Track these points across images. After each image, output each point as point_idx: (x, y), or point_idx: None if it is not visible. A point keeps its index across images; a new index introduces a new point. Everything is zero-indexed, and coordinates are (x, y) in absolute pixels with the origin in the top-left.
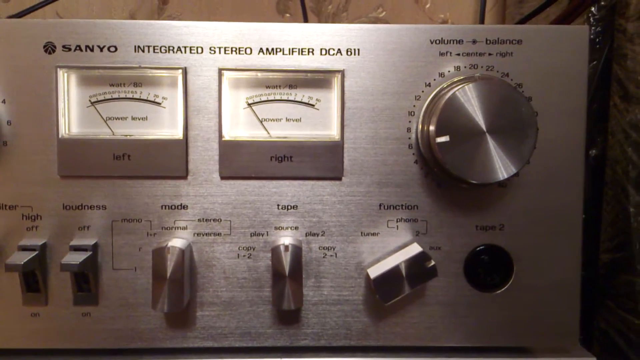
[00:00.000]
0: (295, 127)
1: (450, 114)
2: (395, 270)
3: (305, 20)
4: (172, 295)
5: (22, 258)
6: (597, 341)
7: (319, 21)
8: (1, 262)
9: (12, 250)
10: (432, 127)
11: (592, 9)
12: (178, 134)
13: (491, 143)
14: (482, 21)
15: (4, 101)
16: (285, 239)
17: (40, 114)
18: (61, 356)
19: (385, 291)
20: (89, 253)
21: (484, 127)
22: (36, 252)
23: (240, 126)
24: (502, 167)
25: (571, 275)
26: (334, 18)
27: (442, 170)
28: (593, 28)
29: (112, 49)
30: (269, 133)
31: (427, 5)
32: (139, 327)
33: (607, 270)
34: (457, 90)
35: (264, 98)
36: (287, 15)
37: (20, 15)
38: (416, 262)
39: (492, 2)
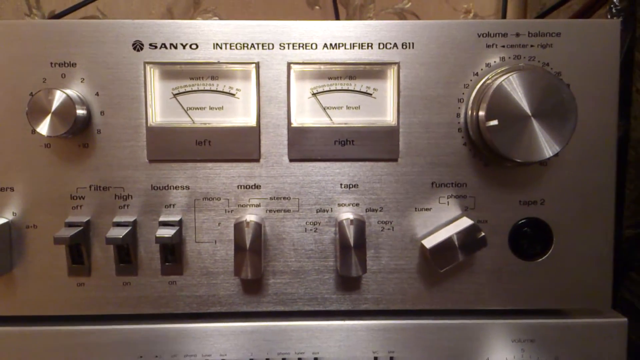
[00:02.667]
0: (355, 114)
1: (499, 100)
2: (449, 241)
3: (336, 12)
4: (253, 264)
5: (120, 233)
6: (621, 311)
7: (347, 13)
8: (97, 236)
9: (107, 226)
10: (481, 113)
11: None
12: (251, 121)
13: (536, 126)
14: (504, 11)
15: (97, 94)
16: (349, 214)
17: (130, 105)
18: (152, 321)
19: (440, 259)
20: (176, 228)
21: (529, 111)
22: (129, 228)
23: (305, 114)
24: (546, 147)
25: (604, 245)
26: (361, 10)
27: (489, 151)
28: (615, 17)
29: (194, 46)
30: (331, 119)
31: None
32: (218, 293)
33: (630, 245)
34: (504, 79)
35: (326, 88)
36: (317, 7)
37: (65, 13)
38: (468, 233)
39: None
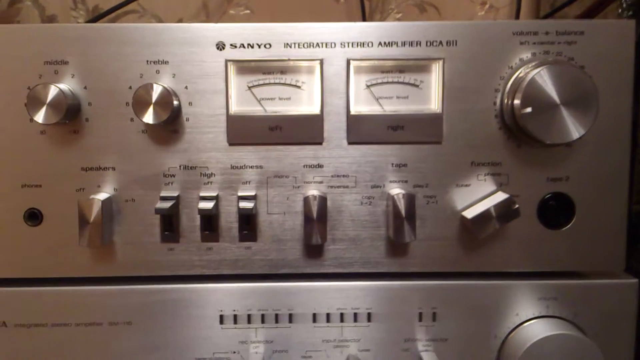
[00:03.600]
0: (403, 103)
1: (532, 91)
2: (487, 212)
3: (362, 5)
4: (320, 231)
5: (208, 205)
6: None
7: (370, 6)
8: (186, 208)
9: (194, 200)
10: (516, 101)
11: None
12: (316, 110)
13: (564, 112)
14: (519, 3)
15: (186, 87)
16: (400, 190)
17: (213, 96)
18: (231, 280)
19: (479, 228)
20: (252, 201)
21: (557, 100)
22: (214, 201)
23: (361, 103)
24: (573, 131)
25: (619, 215)
26: (383, 2)
27: (522, 134)
28: (625, 12)
29: (267, 46)
30: (383, 108)
31: None
32: (287, 257)
33: (638, 219)
34: (536, 73)
35: (379, 80)
36: (342, 1)
37: (109, 11)
38: (504, 206)
39: None
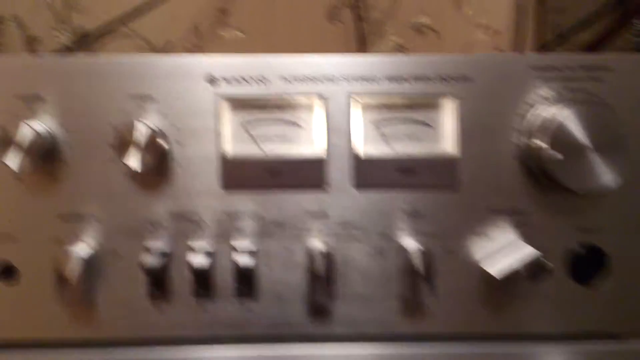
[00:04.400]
0: (415, 143)
1: (560, 134)
2: (513, 270)
3: (359, 28)
4: (326, 291)
5: (201, 261)
6: None
7: (366, 28)
8: (175, 261)
9: (184, 252)
10: (541, 144)
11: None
12: (319, 151)
13: (596, 158)
14: (521, 27)
15: (174, 125)
16: (416, 243)
17: (204, 136)
18: (227, 343)
19: (504, 287)
20: (250, 254)
21: (588, 144)
22: (207, 254)
23: (368, 143)
24: (608, 178)
25: None
26: (380, 25)
27: (547, 179)
28: (636, 39)
29: (263, 79)
30: (392, 149)
31: (469, 12)
32: (290, 317)
33: None
34: (562, 114)
35: (387, 119)
36: (337, 22)
37: (95, 33)
38: (532, 263)
39: (529, 8)
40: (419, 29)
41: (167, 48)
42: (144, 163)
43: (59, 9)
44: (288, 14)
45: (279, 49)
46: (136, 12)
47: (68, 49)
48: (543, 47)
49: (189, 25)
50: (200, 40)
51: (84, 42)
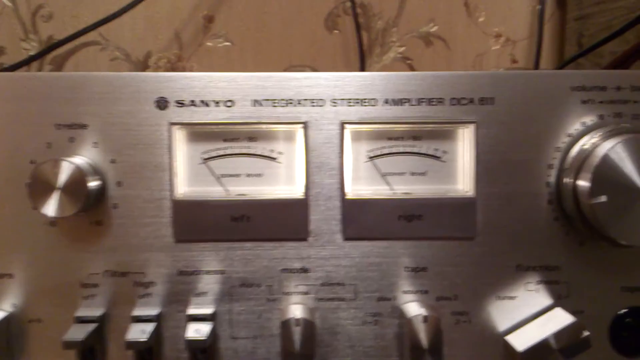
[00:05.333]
0: (420, 181)
1: (605, 172)
2: (544, 342)
3: (358, 37)
4: None
5: (143, 333)
6: None
7: (369, 38)
8: (113, 332)
9: (124, 320)
10: (583, 184)
11: None
12: (298, 192)
13: None
14: (540, 36)
15: (113, 161)
16: (421, 307)
17: (152, 173)
18: None
19: None
20: (209, 324)
21: None
22: (153, 324)
23: (361, 181)
24: None
25: None
26: (383, 34)
27: (588, 227)
28: None
29: (229, 103)
30: (392, 188)
31: (481, 19)
32: None
33: None
34: (610, 147)
35: (386, 151)
36: (336, 31)
37: (64, 41)
38: (568, 333)
39: (549, 14)
40: (427, 39)
41: (146, 59)
42: (63, 209)
43: (27, 17)
44: (281, 22)
45: (271, 60)
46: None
47: (33, 61)
48: (562, 59)
49: (170, 35)
50: (183, 51)
51: (52, 52)
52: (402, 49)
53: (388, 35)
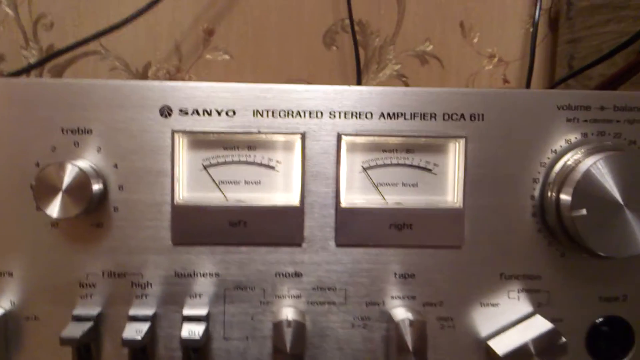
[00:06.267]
0: (411, 191)
1: (586, 187)
2: (523, 347)
3: (356, 54)
4: None
5: (138, 332)
6: None
7: (366, 55)
8: (109, 331)
9: (121, 320)
10: (565, 198)
11: None
12: (294, 200)
13: (629, 216)
14: (532, 58)
15: (115, 165)
16: (408, 313)
17: (154, 178)
18: None
19: None
20: (203, 324)
21: (621, 200)
22: (149, 324)
23: (355, 190)
24: None
25: None
26: (380, 51)
27: (569, 240)
28: None
29: (231, 113)
30: (384, 198)
31: (475, 40)
32: None
33: None
34: (592, 164)
35: (380, 162)
36: (334, 48)
37: (65, 50)
38: (546, 339)
39: (541, 37)
40: (422, 57)
41: (145, 70)
42: (67, 211)
43: (28, 26)
44: (280, 37)
45: (269, 74)
46: (112, 30)
47: (33, 69)
48: (552, 80)
49: (170, 47)
50: (182, 63)
51: (52, 61)
52: (398, 67)
53: (385, 52)
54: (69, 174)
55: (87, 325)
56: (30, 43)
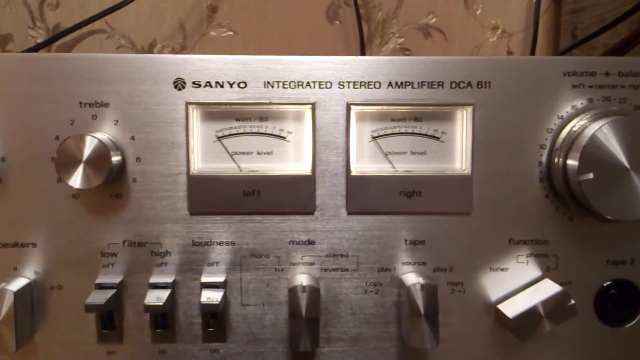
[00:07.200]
0: (420, 160)
1: (592, 151)
2: (533, 310)
3: (359, 28)
4: (310, 334)
5: (159, 298)
6: None
7: (369, 29)
8: (131, 298)
9: (141, 287)
10: (572, 163)
11: None
12: (306, 169)
13: (635, 179)
14: (535, 29)
15: (132, 138)
16: (419, 277)
17: (170, 150)
18: None
19: (522, 330)
20: (222, 290)
21: (627, 164)
22: (169, 290)
23: (365, 159)
24: None
25: None
26: (383, 25)
27: (576, 204)
28: None
29: (242, 84)
30: (393, 166)
31: (478, 12)
32: None
33: None
34: (598, 128)
35: (389, 131)
36: (337, 22)
37: (72, 29)
38: (556, 301)
39: (544, 8)
40: (425, 30)
41: (150, 48)
42: (87, 184)
43: (35, 5)
44: (284, 13)
45: (273, 50)
46: (117, 8)
47: (41, 48)
48: (556, 51)
49: (174, 24)
50: (187, 40)
51: (59, 40)
52: (401, 40)
53: (388, 26)
54: (88, 146)
55: (110, 292)
56: (37, 23)
